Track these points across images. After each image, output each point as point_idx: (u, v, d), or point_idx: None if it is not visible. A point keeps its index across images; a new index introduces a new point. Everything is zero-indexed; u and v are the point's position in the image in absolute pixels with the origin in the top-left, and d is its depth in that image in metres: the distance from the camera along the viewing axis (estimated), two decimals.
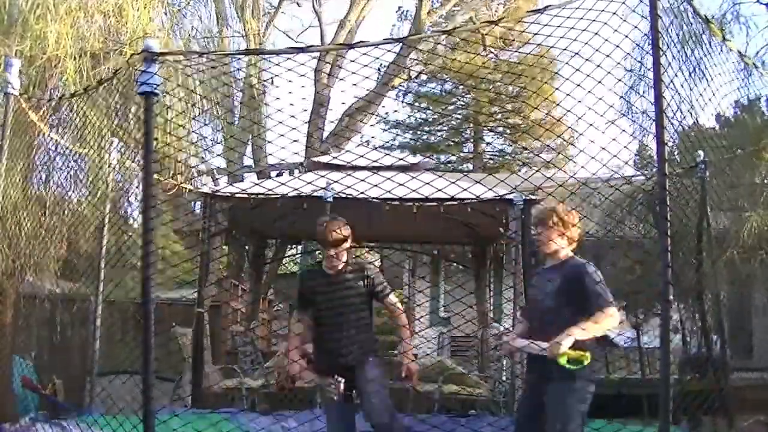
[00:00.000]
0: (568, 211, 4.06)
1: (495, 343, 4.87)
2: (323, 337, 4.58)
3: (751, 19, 7.59)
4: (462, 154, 25.52)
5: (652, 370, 8.53)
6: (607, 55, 3.23)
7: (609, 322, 3.79)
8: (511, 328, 7.67)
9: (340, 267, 4.50)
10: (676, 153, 5.57)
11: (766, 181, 7.26)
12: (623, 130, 3.62)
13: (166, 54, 3.61)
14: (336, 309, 4.52)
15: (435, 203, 7.32)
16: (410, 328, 4.84)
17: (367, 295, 4.56)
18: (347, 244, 4.49)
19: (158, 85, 3.43)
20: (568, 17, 3.24)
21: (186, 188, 7.49)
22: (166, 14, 8.26)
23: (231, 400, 7.50)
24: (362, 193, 5.19)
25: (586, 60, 3.27)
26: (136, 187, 6.27)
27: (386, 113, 23.69)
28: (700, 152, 6.04)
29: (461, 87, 22.46)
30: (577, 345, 3.70)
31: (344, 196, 6.85)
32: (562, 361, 3.68)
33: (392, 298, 4.62)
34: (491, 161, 24.37)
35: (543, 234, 4.03)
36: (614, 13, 3.14)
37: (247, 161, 14.88)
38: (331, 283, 4.54)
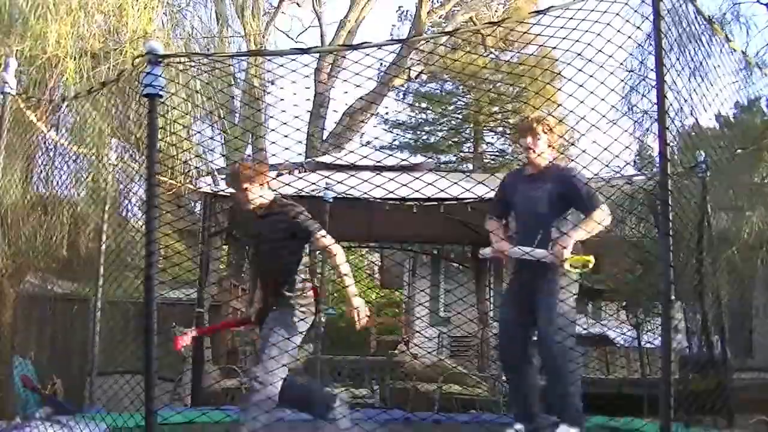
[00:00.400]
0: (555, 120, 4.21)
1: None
2: (260, 282, 4.49)
3: (751, 19, 7.61)
4: (462, 154, 25.51)
5: (652, 369, 8.53)
6: (610, 56, 3.24)
7: (603, 218, 3.97)
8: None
9: (264, 207, 4.31)
10: (676, 153, 5.58)
11: (766, 181, 7.26)
12: (625, 130, 3.63)
13: (171, 56, 3.62)
14: (261, 253, 4.36)
15: (435, 203, 7.33)
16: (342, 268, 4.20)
17: (291, 238, 4.22)
18: (252, 182, 4.22)
19: (163, 87, 3.44)
20: (570, 18, 3.25)
21: (187, 188, 7.50)
22: (165, 15, 8.27)
23: (231, 400, 7.50)
24: (365, 193, 5.19)
25: (589, 61, 3.28)
26: (139, 187, 6.26)
27: (386, 113, 23.70)
28: (701, 152, 6.05)
29: (461, 87, 22.48)
30: (573, 249, 3.86)
31: (344, 196, 6.86)
32: (567, 266, 3.78)
33: (325, 239, 4.16)
34: (492, 161, 24.36)
35: (531, 143, 4.09)
36: (617, 14, 3.15)
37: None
38: (256, 225, 4.38)
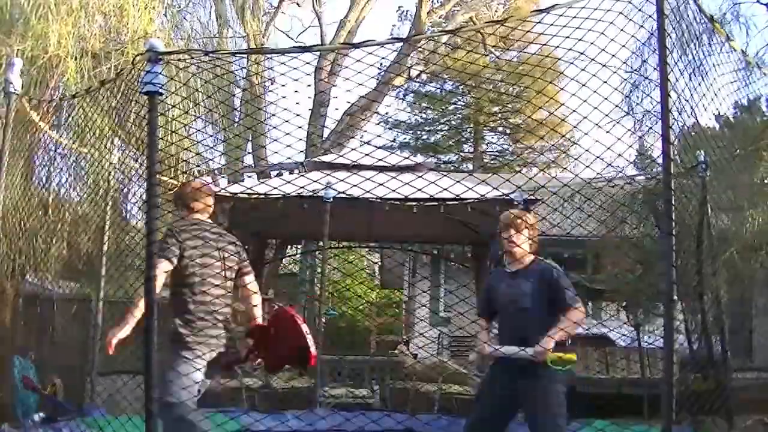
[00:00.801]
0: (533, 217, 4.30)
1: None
2: None
3: (751, 19, 7.60)
4: (462, 154, 25.53)
5: (652, 370, 8.53)
6: (613, 55, 3.23)
7: (580, 318, 4.07)
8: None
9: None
10: (676, 153, 5.56)
11: (766, 181, 7.25)
12: (627, 130, 3.62)
13: (171, 54, 3.60)
14: None
15: (435, 203, 7.32)
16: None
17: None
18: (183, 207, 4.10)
19: (163, 85, 3.41)
20: (573, 17, 3.23)
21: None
22: (166, 16, 8.28)
23: (231, 400, 7.49)
24: (366, 192, 5.18)
25: (591, 60, 3.27)
26: (139, 187, 6.25)
27: (387, 113, 23.71)
28: (701, 152, 6.05)
29: (462, 87, 22.48)
30: (557, 346, 3.94)
31: (344, 195, 6.86)
32: (552, 364, 3.89)
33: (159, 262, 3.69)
34: (492, 161, 24.37)
35: (514, 237, 4.16)
36: (620, 13, 3.14)
37: (248, 160, 14.91)
38: None
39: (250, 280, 4.28)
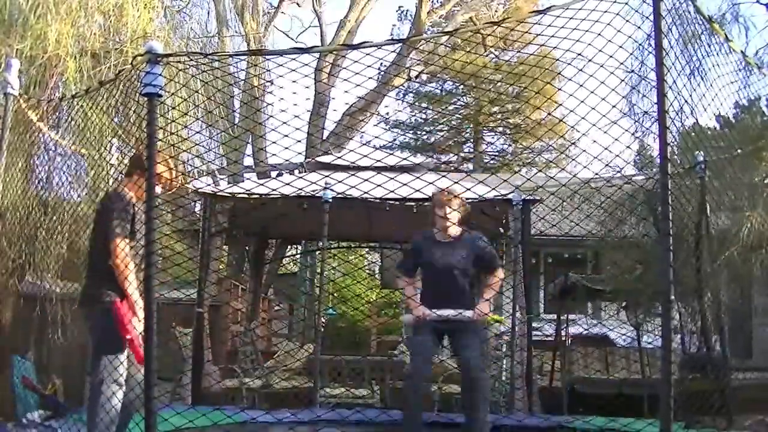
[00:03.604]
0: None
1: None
2: None
3: (750, 19, 7.60)
4: (462, 154, 25.52)
5: (652, 370, 8.53)
6: (610, 56, 3.24)
7: (502, 275, 5.00)
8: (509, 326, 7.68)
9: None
10: (676, 153, 5.57)
11: (766, 181, 7.24)
12: (625, 130, 3.63)
13: (170, 56, 3.60)
14: None
15: None
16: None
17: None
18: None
19: (162, 87, 3.42)
20: (570, 18, 3.24)
21: (186, 188, 7.49)
22: (165, 16, 8.27)
23: (231, 400, 7.49)
24: (364, 193, 5.19)
25: (588, 61, 3.27)
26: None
27: (387, 113, 23.71)
28: (701, 152, 6.05)
29: (462, 87, 22.47)
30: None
31: (344, 196, 6.86)
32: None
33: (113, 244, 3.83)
34: (492, 161, 24.36)
35: (448, 214, 4.75)
36: (617, 14, 3.15)
37: (248, 161, 14.92)
38: None
39: None
